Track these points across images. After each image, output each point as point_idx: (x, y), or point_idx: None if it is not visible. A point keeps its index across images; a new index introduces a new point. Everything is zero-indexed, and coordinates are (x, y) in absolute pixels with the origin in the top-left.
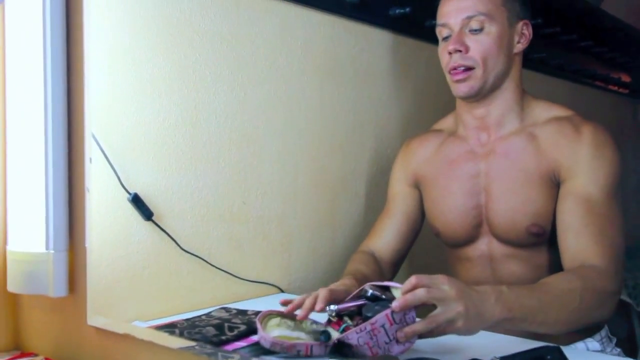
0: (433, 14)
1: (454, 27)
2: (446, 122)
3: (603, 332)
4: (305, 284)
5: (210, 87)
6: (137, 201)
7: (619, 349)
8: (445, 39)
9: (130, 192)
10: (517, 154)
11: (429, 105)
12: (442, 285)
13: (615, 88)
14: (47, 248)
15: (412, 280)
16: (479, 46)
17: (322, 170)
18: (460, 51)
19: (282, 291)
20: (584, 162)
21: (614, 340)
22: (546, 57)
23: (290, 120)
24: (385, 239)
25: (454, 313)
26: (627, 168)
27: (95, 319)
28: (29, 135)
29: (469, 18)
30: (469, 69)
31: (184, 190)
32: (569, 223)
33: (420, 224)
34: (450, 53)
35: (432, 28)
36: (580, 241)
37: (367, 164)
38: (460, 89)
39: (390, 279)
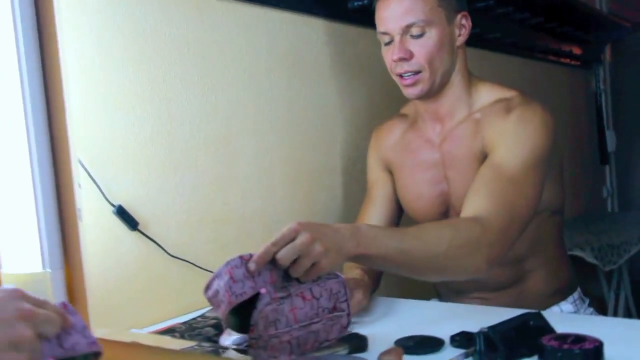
0: None
1: (395, 35)
2: (411, 108)
3: (576, 294)
4: None
5: (181, 94)
6: (121, 212)
7: (591, 309)
8: (388, 43)
9: (115, 204)
10: (462, 139)
11: (393, 92)
12: (297, 235)
13: (568, 60)
14: (43, 267)
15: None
16: (423, 50)
17: (296, 164)
18: (405, 58)
19: None
20: (505, 136)
21: (587, 301)
22: (501, 37)
23: (261, 119)
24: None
25: (315, 254)
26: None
27: (99, 331)
28: (14, 160)
29: (409, 26)
30: (416, 73)
31: (165, 197)
32: (475, 183)
33: (401, 206)
34: (395, 61)
35: None
36: (477, 197)
37: (339, 155)
38: (410, 92)
39: None
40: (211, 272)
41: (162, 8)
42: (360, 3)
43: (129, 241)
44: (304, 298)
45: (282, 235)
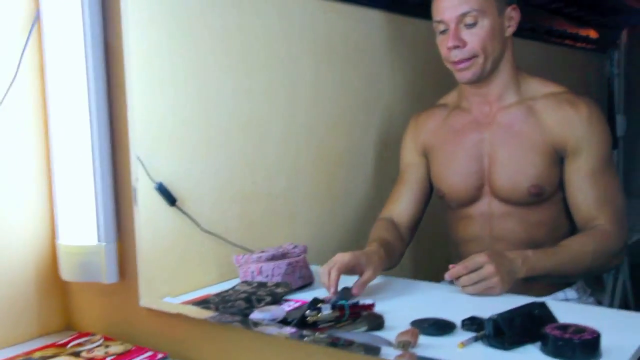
0: None
1: (450, 24)
2: (450, 97)
3: (579, 283)
4: (311, 252)
5: (218, 78)
6: (162, 189)
7: (592, 298)
8: (443, 32)
9: (156, 181)
10: (518, 124)
11: (418, 76)
12: (483, 265)
13: (584, 45)
14: (98, 241)
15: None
16: (476, 38)
17: (320, 147)
18: (458, 46)
19: None
20: (584, 140)
21: (589, 290)
22: (520, 22)
23: (290, 103)
24: (402, 206)
25: (493, 283)
26: None
27: (147, 301)
28: (76, 143)
29: (464, 15)
30: (470, 58)
31: (200, 175)
32: (578, 193)
33: (431, 190)
34: (449, 48)
35: (416, 4)
36: (589, 206)
37: (360, 138)
38: (464, 76)
39: (409, 242)
40: (239, 246)
41: None
42: None
43: (167, 216)
44: None
45: (473, 262)
